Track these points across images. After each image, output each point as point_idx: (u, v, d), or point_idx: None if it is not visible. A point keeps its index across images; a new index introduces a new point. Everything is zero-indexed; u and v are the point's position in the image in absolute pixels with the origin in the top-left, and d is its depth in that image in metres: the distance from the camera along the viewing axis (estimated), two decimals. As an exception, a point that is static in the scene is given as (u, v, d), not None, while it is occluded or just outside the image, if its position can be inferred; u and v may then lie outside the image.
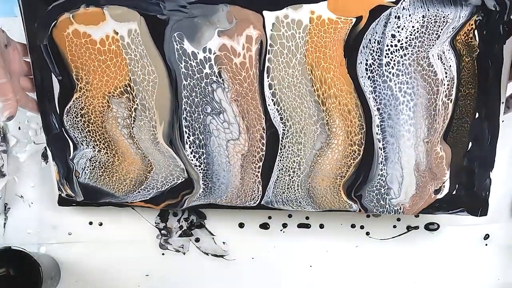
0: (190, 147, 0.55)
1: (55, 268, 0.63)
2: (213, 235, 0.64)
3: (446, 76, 0.51)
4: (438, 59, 0.51)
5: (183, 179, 0.57)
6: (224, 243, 0.64)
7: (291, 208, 0.58)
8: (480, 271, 0.62)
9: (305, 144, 0.54)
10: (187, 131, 0.54)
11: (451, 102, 0.53)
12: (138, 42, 0.51)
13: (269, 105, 0.53)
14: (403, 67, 0.51)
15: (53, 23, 0.50)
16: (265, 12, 0.49)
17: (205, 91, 0.52)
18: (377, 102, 0.52)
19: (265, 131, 0.54)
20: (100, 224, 0.64)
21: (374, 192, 0.56)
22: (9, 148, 0.67)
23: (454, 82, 0.52)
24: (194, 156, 0.55)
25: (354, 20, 0.49)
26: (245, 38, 0.50)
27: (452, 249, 0.62)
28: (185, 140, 0.55)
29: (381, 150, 0.54)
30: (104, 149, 0.56)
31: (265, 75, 0.51)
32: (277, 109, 0.53)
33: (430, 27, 0.49)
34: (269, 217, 0.64)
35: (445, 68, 0.51)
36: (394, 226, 0.63)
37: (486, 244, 0.62)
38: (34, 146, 0.66)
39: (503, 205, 0.62)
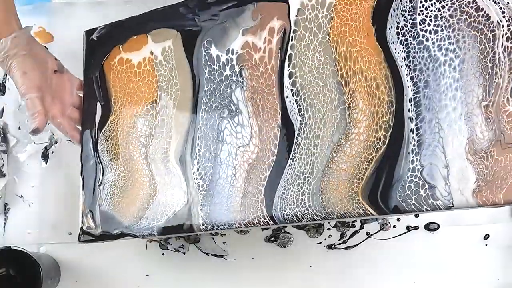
0: (198, 163, 0.52)
1: (55, 268, 0.63)
2: (213, 235, 0.64)
3: (504, 16, 0.42)
4: None
5: (182, 206, 0.51)
6: (224, 243, 0.64)
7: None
8: (480, 271, 0.62)
9: (324, 137, 0.47)
10: (199, 143, 0.52)
11: None
12: (171, 57, 0.54)
13: (287, 97, 0.48)
14: (442, 20, 0.44)
15: (106, 56, 0.57)
16: (290, 0, 0.49)
17: (224, 94, 0.51)
18: (410, 70, 0.44)
19: (279, 129, 0.49)
20: (100, 224, 0.64)
21: (411, 198, 0.43)
22: (9, 148, 0.67)
23: None
24: (200, 174, 0.51)
25: None
26: (268, 31, 0.50)
27: (452, 249, 0.62)
28: (195, 155, 0.52)
29: (413, 133, 0.44)
30: (123, 171, 0.55)
31: (286, 64, 0.49)
32: (296, 100, 0.48)
33: None
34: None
35: (500, 8, 0.42)
36: (394, 226, 0.63)
37: (486, 244, 0.62)
38: (34, 146, 0.66)
39: (503, 205, 0.62)
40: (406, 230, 0.63)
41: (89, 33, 0.59)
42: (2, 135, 0.67)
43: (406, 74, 0.44)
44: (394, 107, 0.45)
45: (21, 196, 0.66)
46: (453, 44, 0.43)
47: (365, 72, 0.46)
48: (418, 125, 0.44)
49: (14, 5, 0.55)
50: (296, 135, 0.48)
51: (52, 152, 0.67)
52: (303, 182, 0.48)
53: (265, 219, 0.48)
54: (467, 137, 0.42)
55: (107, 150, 0.56)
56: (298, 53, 0.48)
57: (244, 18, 0.51)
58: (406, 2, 0.45)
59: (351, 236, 0.63)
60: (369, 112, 0.45)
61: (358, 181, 0.45)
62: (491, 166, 0.42)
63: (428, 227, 0.62)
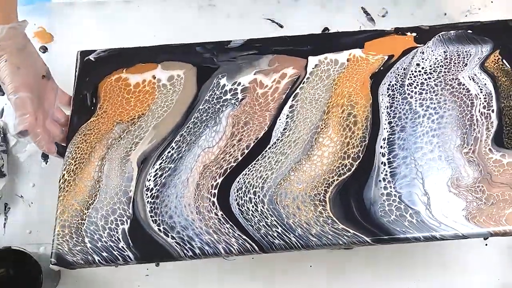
0: (160, 163, 0.51)
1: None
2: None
3: (481, 91, 0.52)
4: (470, 79, 0.53)
5: (127, 219, 0.49)
6: (224, 243, 0.64)
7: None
8: (480, 271, 0.62)
9: (289, 155, 0.51)
10: (174, 146, 0.52)
11: (493, 112, 0.51)
12: (179, 84, 0.56)
13: (280, 119, 0.53)
14: (427, 87, 0.53)
15: (104, 77, 0.57)
16: (310, 58, 0.56)
17: (216, 111, 0.54)
18: (390, 116, 0.52)
19: (255, 141, 0.52)
20: (100, 224, 0.64)
21: (397, 220, 0.47)
22: (9, 148, 0.67)
23: (492, 96, 0.52)
24: (155, 175, 0.51)
25: (386, 57, 0.55)
26: (280, 74, 0.55)
27: (452, 249, 0.62)
28: (163, 155, 0.52)
29: (384, 165, 0.49)
30: (69, 172, 0.52)
31: (290, 99, 0.54)
32: (287, 121, 0.53)
33: (454, 58, 0.54)
34: (269, 217, 0.64)
35: (479, 86, 0.52)
36: (394, 226, 0.63)
37: (486, 244, 0.62)
38: (34, 146, 0.66)
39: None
40: (406, 230, 0.63)
41: (84, 53, 0.58)
42: (2, 135, 0.67)
43: (385, 119, 0.51)
44: (367, 142, 0.50)
45: (21, 196, 0.66)
46: (434, 104, 0.52)
47: (345, 107, 0.52)
48: (391, 160, 0.49)
49: None
50: (266, 148, 0.51)
51: (52, 152, 0.67)
52: (255, 198, 0.49)
53: (253, 247, 0.47)
54: (451, 175, 0.48)
55: (73, 142, 0.54)
56: (304, 92, 0.54)
57: (260, 63, 0.56)
58: (401, 69, 0.54)
59: (351, 236, 0.63)
60: (337, 140, 0.51)
61: (322, 204, 0.48)
62: (485, 198, 0.47)
63: (428, 227, 0.63)
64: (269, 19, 0.72)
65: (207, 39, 0.59)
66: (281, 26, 0.72)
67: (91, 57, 0.58)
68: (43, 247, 0.64)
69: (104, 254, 0.48)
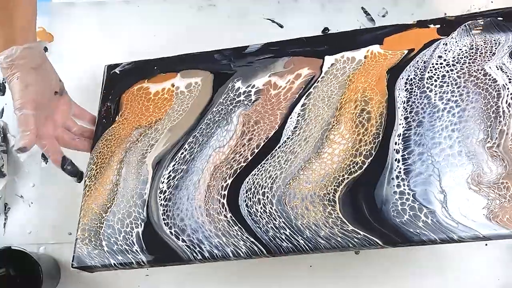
0: (173, 165, 0.52)
1: (55, 268, 0.63)
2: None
3: (510, 81, 0.48)
4: (498, 69, 0.49)
5: (142, 222, 0.49)
6: (224, 243, 0.64)
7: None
8: (480, 271, 0.62)
9: (299, 154, 0.49)
10: (187, 147, 0.53)
11: None
12: (196, 90, 0.56)
13: (291, 118, 0.51)
14: (449, 79, 0.49)
15: (127, 88, 0.59)
16: (326, 57, 0.54)
17: (228, 111, 0.54)
18: (406, 111, 0.48)
19: (265, 141, 0.51)
20: (100, 224, 0.64)
21: (410, 221, 0.44)
22: (9, 148, 0.67)
23: None
24: (168, 177, 0.51)
25: (406, 51, 0.52)
26: (295, 75, 0.54)
27: (452, 249, 0.62)
28: (176, 157, 0.52)
29: (398, 162, 0.46)
30: (91, 177, 0.54)
31: (303, 98, 0.52)
32: (298, 119, 0.51)
33: (481, 48, 0.50)
34: (269, 217, 0.64)
35: (508, 76, 0.48)
36: (394, 226, 0.63)
37: (486, 244, 0.62)
38: (34, 146, 0.66)
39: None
40: (406, 230, 0.63)
41: (111, 67, 0.61)
42: (2, 135, 0.67)
43: (401, 115, 0.48)
44: (380, 138, 0.47)
45: (21, 196, 0.66)
46: (455, 96, 0.48)
47: (359, 103, 0.50)
48: (406, 156, 0.46)
49: (36, 15, 0.54)
50: (277, 147, 0.50)
51: (52, 152, 0.67)
52: (264, 200, 0.48)
53: (261, 251, 0.46)
54: (471, 171, 0.44)
55: (96, 149, 0.56)
56: (318, 90, 0.53)
57: (276, 65, 0.55)
58: (421, 62, 0.51)
59: (351, 236, 0.63)
60: (349, 137, 0.48)
61: (331, 204, 0.46)
62: (510, 195, 0.43)
63: (428, 227, 0.62)
64: (269, 19, 0.72)
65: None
66: (281, 26, 0.72)
67: (117, 70, 0.60)
68: (43, 247, 0.64)
69: (119, 257, 0.48)
